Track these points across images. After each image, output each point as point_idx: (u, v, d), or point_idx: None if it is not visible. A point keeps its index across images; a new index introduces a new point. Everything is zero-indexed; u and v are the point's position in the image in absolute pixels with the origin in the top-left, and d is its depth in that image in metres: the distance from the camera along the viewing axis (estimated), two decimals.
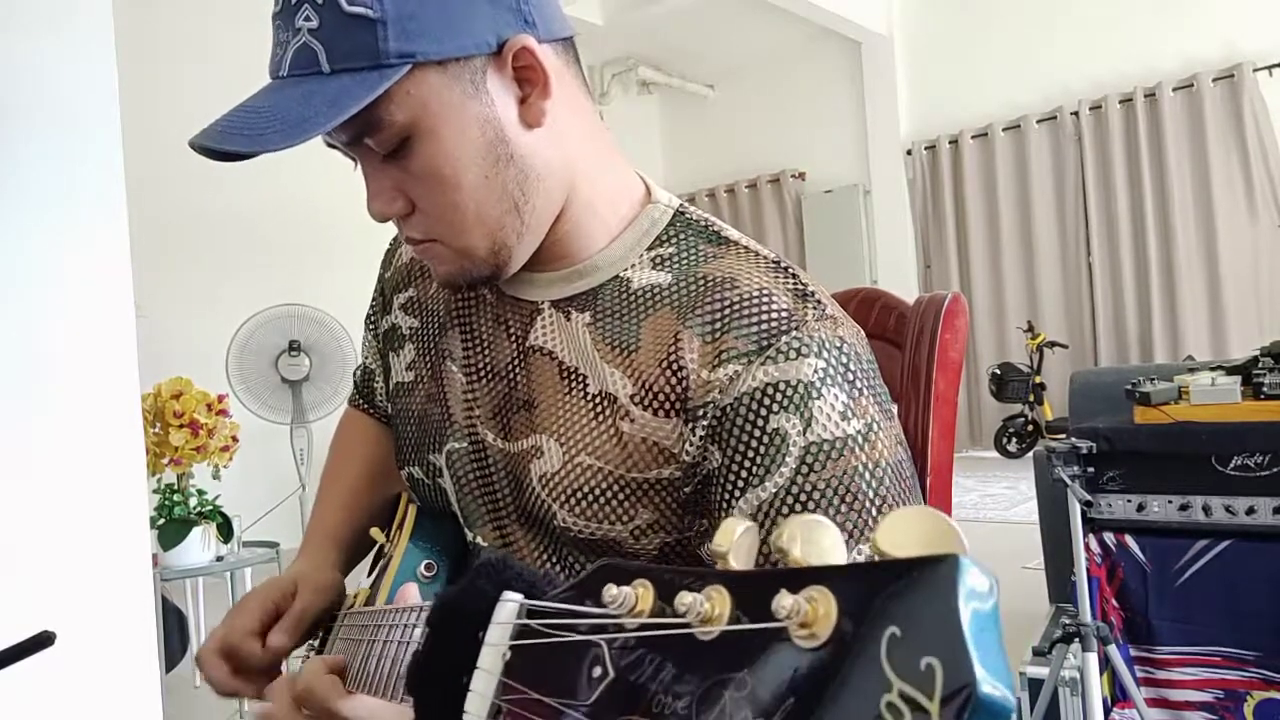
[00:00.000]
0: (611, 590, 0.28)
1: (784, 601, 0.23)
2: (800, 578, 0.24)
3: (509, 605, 0.34)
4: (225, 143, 0.60)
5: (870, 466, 0.62)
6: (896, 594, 0.21)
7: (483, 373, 0.77)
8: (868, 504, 0.61)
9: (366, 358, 0.98)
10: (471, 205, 0.67)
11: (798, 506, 0.62)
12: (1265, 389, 2.00)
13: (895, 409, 0.71)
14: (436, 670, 0.35)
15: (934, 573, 0.21)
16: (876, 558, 0.24)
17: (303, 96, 0.60)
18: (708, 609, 0.25)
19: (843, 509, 0.61)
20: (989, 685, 0.19)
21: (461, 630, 0.35)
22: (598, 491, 0.69)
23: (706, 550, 0.69)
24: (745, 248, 0.72)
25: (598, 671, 0.28)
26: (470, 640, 0.34)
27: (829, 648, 0.22)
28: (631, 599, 0.28)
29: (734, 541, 0.27)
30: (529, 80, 0.66)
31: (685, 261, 0.71)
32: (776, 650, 0.23)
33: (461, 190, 0.66)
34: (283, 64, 0.63)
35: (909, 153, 6.84)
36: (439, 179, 0.65)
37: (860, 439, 0.63)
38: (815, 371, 0.63)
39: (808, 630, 0.23)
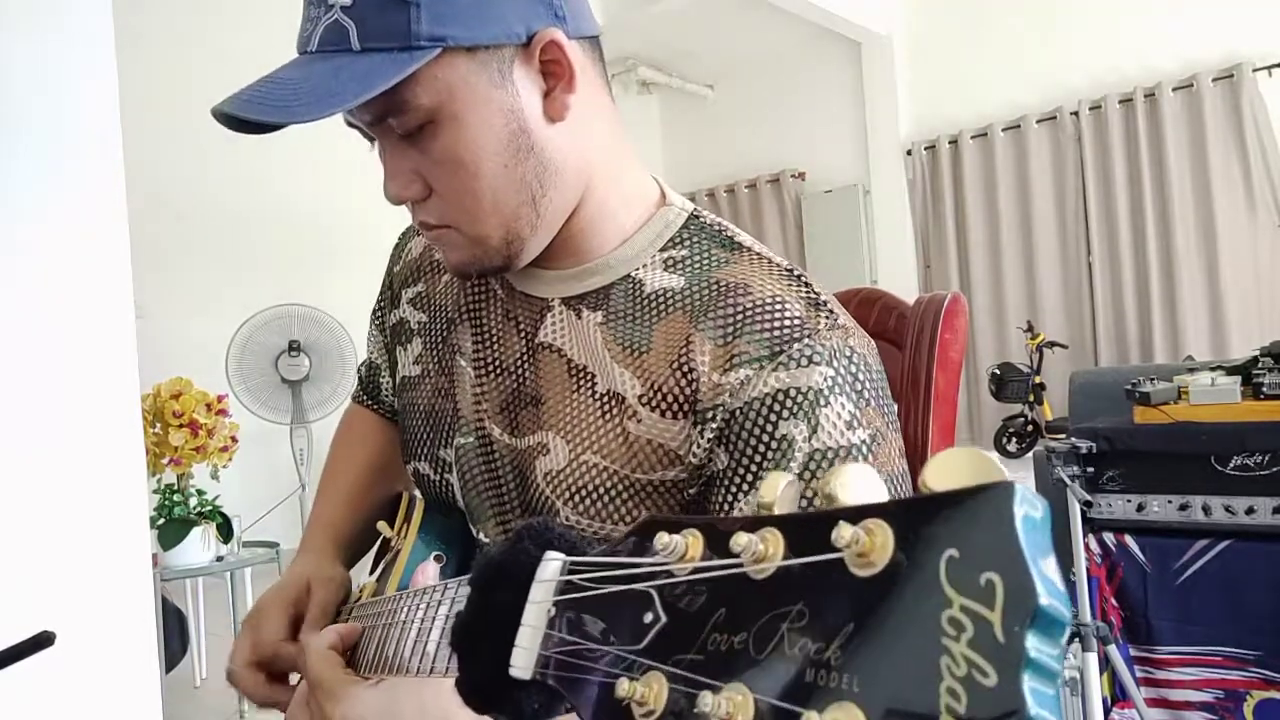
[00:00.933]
0: (663, 538, 0.28)
1: (843, 532, 0.23)
2: (855, 513, 0.24)
3: (552, 564, 0.35)
4: (251, 111, 0.60)
5: None
6: (953, 519, 0.22)
7: (492, 368, 0.77)
8: None
9: (372, 353, 0.98)
10: (489, 194, 0.67)
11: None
12: (1265, 389, 2.00)
13: (896, 412, 0.71)
14: (481, 629, 0.36)
15: (989, 497, 0.22)
16: None
17: (332, 71, 0.60)
18: (762, 549, 0.25)
19: None
20: (1047, 598, 0.21)
21: (505, 590, 0.35)
22: (602, 490, 0.69)
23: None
24: (758, 254, 0.72)
25: (649, 617, 0.28)
26: (514, 599, 0.34)
27: (887, 574, 0.23)
28: (682, 546, 0.28)
29: (779, 494, 0.28)
30: (555, 74, 0.66)
31: (698, 265, 0.71)
32: (833, 582, 0.24)
33: (481, 178, 0.66)
34: (312, 39, 0.63)
35: (909, 153, 6.83)
36: (459, 165, 0.66)
37: (865, 449, 0.63)
38: (824, 379, 0.63)
39: (865, 559, 0.23)
